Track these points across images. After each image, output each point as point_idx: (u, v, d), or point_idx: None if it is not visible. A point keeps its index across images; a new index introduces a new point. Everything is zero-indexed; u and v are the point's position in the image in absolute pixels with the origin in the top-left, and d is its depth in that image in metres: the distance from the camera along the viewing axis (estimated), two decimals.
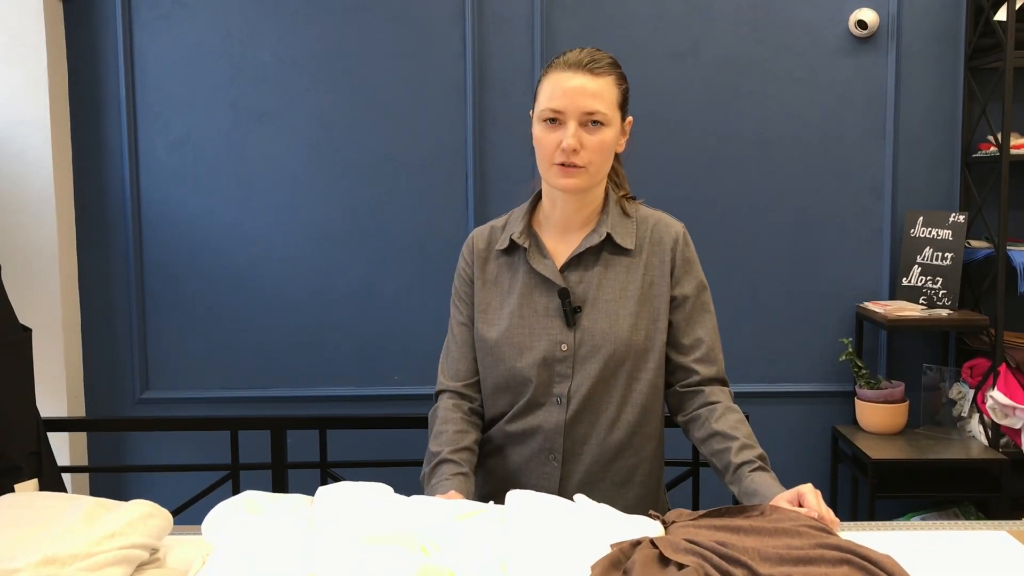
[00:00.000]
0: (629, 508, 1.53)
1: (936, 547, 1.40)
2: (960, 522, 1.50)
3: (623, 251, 1.67)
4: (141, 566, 1.24)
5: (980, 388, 3.00)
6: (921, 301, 3.07)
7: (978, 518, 3.01)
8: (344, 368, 3.20)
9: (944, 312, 2.98)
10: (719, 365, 1.70)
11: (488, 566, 1.13)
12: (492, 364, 1.69)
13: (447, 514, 1.29)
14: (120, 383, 3.23)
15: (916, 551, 1.36)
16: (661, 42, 3.10)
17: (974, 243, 3.10)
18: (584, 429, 1.66)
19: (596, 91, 1.58)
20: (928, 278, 3.08)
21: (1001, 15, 2.91)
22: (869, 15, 3.09)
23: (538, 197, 1.76)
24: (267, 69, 3.13)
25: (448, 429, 1.67)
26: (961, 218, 3.03)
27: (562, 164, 1.59)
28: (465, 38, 3.11)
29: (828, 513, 1.36)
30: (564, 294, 1.64)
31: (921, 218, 3.11)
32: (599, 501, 1.47)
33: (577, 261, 1.66)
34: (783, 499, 1.42)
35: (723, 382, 1.71)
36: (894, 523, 1.53)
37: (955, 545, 1.40)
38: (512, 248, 1.71)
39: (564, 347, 1.63)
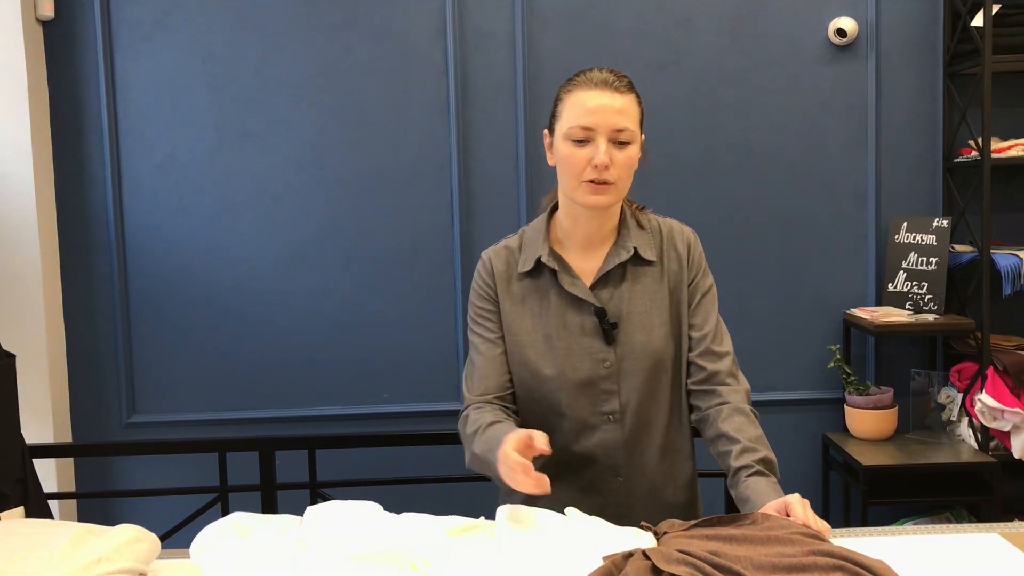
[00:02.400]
0: (686, 512, 1.70)
1: (929, 551, 1.39)
2: (952, 525, 1.50)
3: (646, 263, 1.70)
4: None
5: (968, 392, 3.00)
6: (907, 306, 3.08)
7: (970, 522, 3.02)
8: (332, 387, 3.19)
9: (930, 317, 2.99)
10: (728, 359, 1.71)
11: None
12: (535, 386, 1.68)
13: (438, 530, 1.28)
14: (107, 408, 3.20)
15: (909, 555, 1.36)
16: (643, 54, 3.11)
17: (958, 247, 3.11)
18: (643, 441, 1.69)
19: (623, 108, 1.60)
20: (914, 283, 3.09)
21: (978, 21, 2.94)
22: (848, 23, 3.11)
23: (551, 214, 1.75)
24: (249, 89, 3.13)
25: (485, 418, 1.64)
26: (945, 223, 3.04)
27: (591, 181, 1.59)
28: (447, 55, 3.12)
29: (816, 522, 1.36)
30: (602, 313, 1.65)
31: (905, 224, 3.13)
32: (666, 508, 1.58)
33: (605, 278, 1.68)
34: (771, 509, 1.42)
35: (733, 375, 1.71)
36: (886, 528, 1.53)
37: (948, 548, 1.40)
38: (537, 269, 1.70)
39: (607, 364, 1.65)
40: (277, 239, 3.16)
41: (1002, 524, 1.51)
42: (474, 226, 3.16)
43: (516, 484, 1.40)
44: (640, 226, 1.73)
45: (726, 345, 1.71)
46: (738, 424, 1.61)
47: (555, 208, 1.75)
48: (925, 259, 3.06)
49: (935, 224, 3.06)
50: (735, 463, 1.56)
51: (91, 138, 3.14)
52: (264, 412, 3.17)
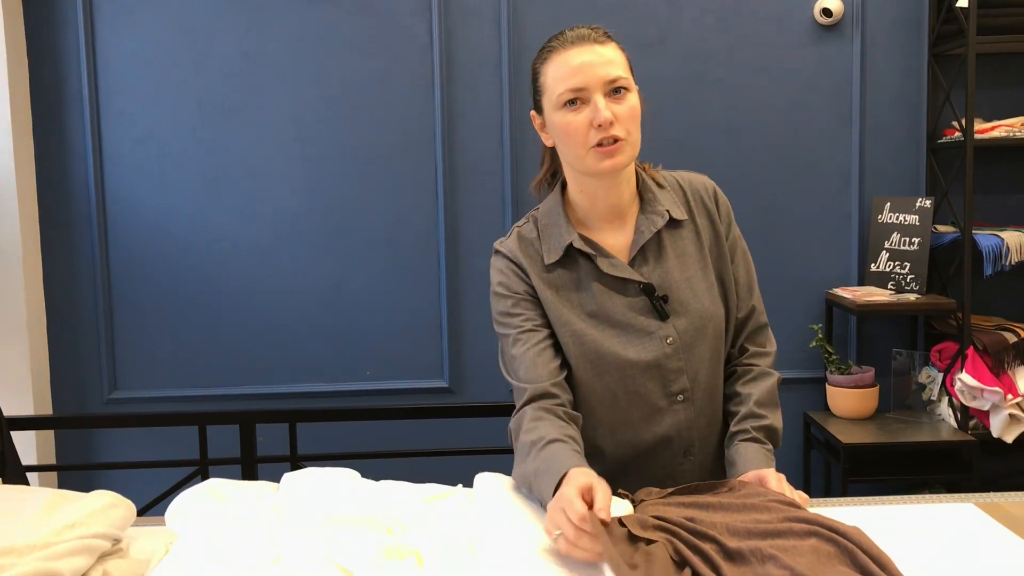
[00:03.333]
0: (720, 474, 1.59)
1: (905, 520, 1.40)
2: (928, 496, 1.51)
3: (677, 223, 1.57)
4: (103, 556, 1.22)
5: (949, 371, 3.02)
6: (889, 286, 3.09)
7: None
8: (315, 364, 3.18)
9: (912, 297, 3.00)
10: (764, 316, 1.64)
11: (455, 547, 1.12)
12: (596, 378, 1.53)
13: (415, 497, 1.28)
14: (88, 384, 3.18)
15: (885, 524, 1.37)
16: (628, 33, 3.09)
17: (940, 228, 3.12)
18: (710, 413, 1.59)
19: (610, 58, 1.47)
20: (896, 263, 3.10)
21: (963, 2, 2.94)
22: (834, 3, 3.11)
23: (563, 194, 1.61)
24: (232, 64, 3.11)
25: (546, 432, 1.43)
26: (928, 203, 3.05)
27: (599, 145, 1.45)
28: (432, 30, 3.10)
29: (793, 493, 1.36)
30: (650, 289, 1.52)
31: (888, 204, 3.13)
32: (720, 477, 1.49)
33: (642, 250, 1.54)
34: (747, 479, 1.42)
35: (767, 334, 1.64)
36: (863, 499, 1.54)
37: (923, 517, 1.41)
38: (567, 257, 1.55)
39: (670, 340, 1.52)
40: (260, 215, 3.14)
41: (977, 495, 1.52)
42: (458, 203, 3.15)
43: (568, 543, 1.17)
44: (659, 185, 1.60)
45: (756, 297, 1.63)
46: (756, 388, 1.56)
47: (564, 187, 1.61)
48: (908, 239, 3.07)
49: (918, 204, 3.07)
50: (734, 427, 1.55)
51: (72, 112, 3.11)
52: (246, 388, 3.16)
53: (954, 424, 3.01)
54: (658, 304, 1.52)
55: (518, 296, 1.56)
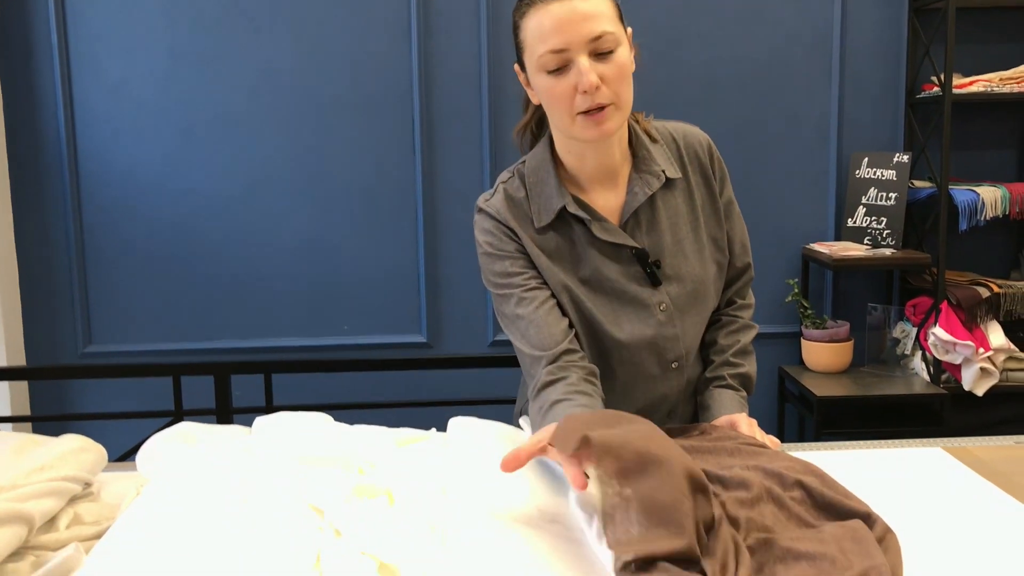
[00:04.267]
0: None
1: (873, 464, 1.42)
2: (896, 440, 1.53)
3: (669, 182, 1.49)
4: (74, 499, 1.21)
5: (923, 326, 3.05)
6: (866, 241, 3.11)
7: None
8: (291, 319, 3.17)
9: (888, 251, 3.01)
10: (751, 271, 1.61)
11: (428, 487, 1.12)
12: (591, 343, 1.48)
13: (387, 440, 1.28)
14: (62, 338, 3.16)
15: (854, 468, 1.38)
16: None
17: (917, 183, 3.13)
18: (694, 377, 1.57)
19: (593, 11, 1.32)
20: (872, 218, 3.11)
21: None
22: None
23: (550, 146, 1.50)
24: (205, 12, 3.05)
25: (549, 391, 1.38)
26: (905, 158, 3.05)
27: (586, 112, 1.34)
28: None
29: (764, 438, 1.37)
30: (643, 256, 1.45)
31: (866, 159, 3.13)
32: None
33: (634, 213, 1.46)
34: (719, 423, 1.43)
35: (750, 287, 1.62)
36: (832, 443, 1.55)
37: (892, 461, 1.42)
38: (559, 219, 1.46)
39: (663, 306, 1.46)
40: (234, 166, 3.10)
41: (945, 439, 1.54)
42: (436, 155, 3.12)
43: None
44: (652, 139, 1.51)
45: (750, 255, 1.60)
46: (736, 339, 1.56)
47: (552, 139, 1.50)
48: (885, 194, 3.08)
49: (895, 160, 3.07)
50: (711, 372, 1.55)
51: (41, 61, 3.05)
52: (222, 342, 3.14)
53: (927, 378, 3.04)
54: (651, 270, 1.45)
55: (513, 256, 1.46)
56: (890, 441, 1.53)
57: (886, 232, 3.07)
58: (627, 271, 1.46)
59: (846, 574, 0.89)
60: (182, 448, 1.23)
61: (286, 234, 3.14)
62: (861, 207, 3.14)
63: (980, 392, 2.99)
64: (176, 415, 2.29)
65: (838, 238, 3.21)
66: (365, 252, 3.16)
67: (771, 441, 1.36)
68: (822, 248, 3.06)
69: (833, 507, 1.07)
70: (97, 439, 1.33)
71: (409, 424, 2.04)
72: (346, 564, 0.91)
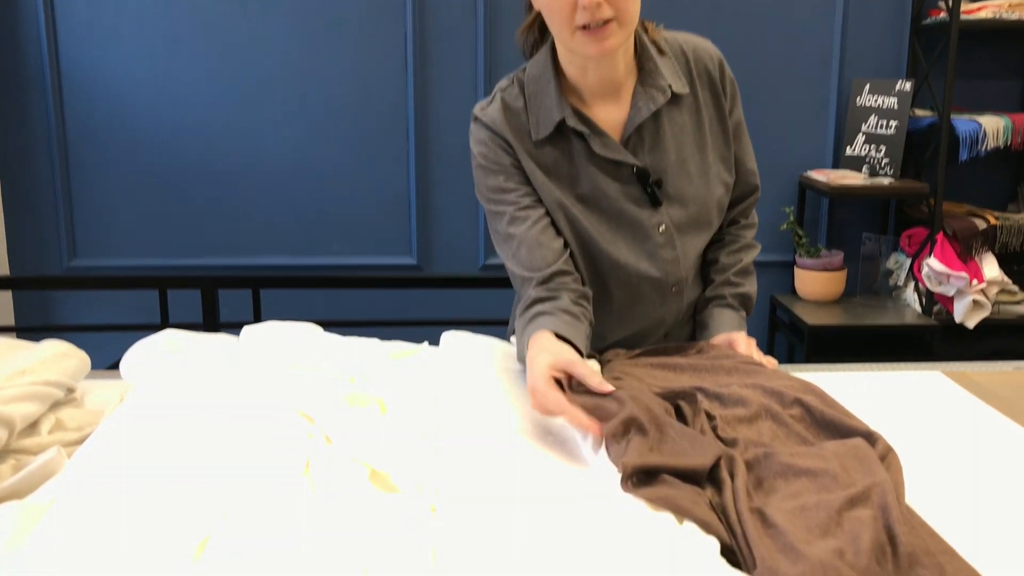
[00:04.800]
0: None
1: (872, 387, 1.40)
2: (894, 364, 1.50)
3: (676, 97, 1.40)
4: (56, 405, 1.19)
5: (917, 257, 3.03)
6: (864, 170, 3.06)
7: None
8: (280, 236, 3.11)
9: (886, 181, 2.97)
10: (757, 193, 1.56)
11: (419, 397, 1.09)
12: (587, 263, 1.42)
13: (379, 352, 1.25)
14: (47, 252, 3.11)
15: (852, 391, 1.36)
16: None
17: (919, 112, 3.08)
18: (693, 300, 1.53)
19: None
20: (872, 147, 3.06)
21: None
22: None
23: (552, 54, 1.40)
24: None
25: (538, 305, 1.34)
26: (907, 86, 2.99)
27: (585, 27, 1.26)
28: None
29: (762, 358, 1.35)
30: (644, 175, 1.38)
31: (867, 86, 3.07)
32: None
33: (638, 128, 1.38)
34: (717, 342, 1.41)
35: (753, 207, 1.57)
36: (831, 365, 1.53)
37: (891, 384, 1.41)
38: (558, 132, 1.38)
39: (662, 228, 1.40)
40: (222, 79, 3.02)
41: (944, 363, 1.52)
42: (429, 71, 3.04)
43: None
44: (660, 51, 1.41)
45: (757, 177, 1.54)
46: (738, 258, 1.51)
47: (555, 46, 1.40)
48: (885, 122, 3.03)
49: (897, 87, 3.01)
50: (711, 291, 1.50)
51: None
52: (209, 259, 3.09)
53: (918, 309, 3.04)
54: (652, 190, 1.38)
55: (508, 170, 1.39)
56: (888, 364, 1.51)
57: (885, 161, 3.03)
58: (626, 190, 1.39)
59: (848, 490, 0.87)
60: (168, 355, 1.20)
61: (275, 151, 3.07)
62: (861, 135, 3.09)
63: (971, 324, 2.98)
64: (162, 328, 2.25)
65: (836, 166, 3.17)
66: (355, 172, 3.09)
67: (768, 361, 1.34)
68: (819, 176, 3.02)
69: (833, 425, 1.05)
70: (83, 350, 1.30)
71: (401, 338, 2.02)
72: (337, 470, 0.88)
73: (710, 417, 1.07)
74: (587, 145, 1.37)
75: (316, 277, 2.34)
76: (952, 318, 3.00)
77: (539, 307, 1.32)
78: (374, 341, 1.32)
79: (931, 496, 1.01)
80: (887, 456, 0.97)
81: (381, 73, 3.04)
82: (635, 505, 0.89)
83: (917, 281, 3.04)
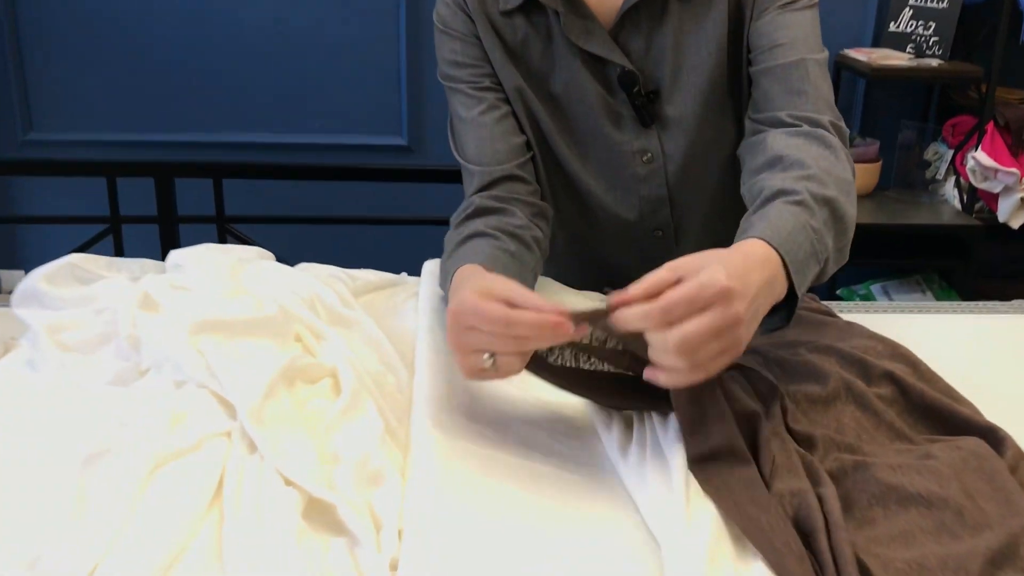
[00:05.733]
0: None
1: (948, 332, 1.14)
2: (983, 303, 1.22)
3: None
4: None
5: (961, 148, 2.75)
6: (908, 49, 2.74)
7: (941, 287, 2.86)
8: (252, 112, 2.80)
9: (934, 62, 2.66)
10: (816, 101, 1.08)
11: (387, 368, 0.83)
12: (546, 175, 1.14)
13: (341, 289, 0.98)
14: (1, 124, 2.80)
15: (924, 338, 1.07)
16: None
17: None
18: (699, 245, 1.16)
19: None
20: (919, 23, 2.73)
21: None
22: None
23: None
24: None
25: (477, 222, 1.05)
26: None
27: None
28: None
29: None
30: (630, 79, 1.06)
31: None
32: None
33: (634, 14, 1.05)
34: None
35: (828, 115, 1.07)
36: (907, 303, 1.27)
37: (981, 329, 1.14)
38: (529, 6, 1.08)
39: (647, 157, 1.10)
40: None
41: None
42: None
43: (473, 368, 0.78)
44: None
45: (817, 86, 1.07)
46: (808, 152, 0.97)
47: None
48: None
49: None
50: (780, 184, 0.92)
51: None
52: (177, 135, 2.80)
53: (958, 206, 2.78)
54: (639, 103, 1.07)
55: (465, 39, 1.11)
56: (975, 304, 1.24)
57: (933, 40, 2.70)
58: (607, 100, 1.08)
59: (984, 536, 0.62)
60: (70, 290, 0.94)
61: (247, 13, 2.72)
62: (908, 9, 2.75)
63: (1016, 225, 2.72)
64: (113, 221, 1.98)
65: (877, 44, 2.84)
66: (337, 39, 2.75)
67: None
68: (859, 55, 2.70)
69: (937, 412, 0.79)
70: (32, 243, 1.04)
71: (386, 245, 1.74)
72: (257, 498, 0.62)
73: (784, 414, 0.79)
74: (561, 28, 1.06)
75: (286, 166, 2.06)
76: (995, 217, 2.74)
77: (478, 223, 1.02)
78: (337, 272, 1.04)
79: None
80: (1018, 467, 0.71)
81: None
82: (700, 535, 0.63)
83: (959, 175, 2.76)
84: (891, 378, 0.81)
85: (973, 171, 2.69)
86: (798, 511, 0.65)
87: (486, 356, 0.75)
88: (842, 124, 1.05)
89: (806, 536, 0.64)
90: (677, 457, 0.69)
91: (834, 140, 1.01)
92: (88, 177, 2.11)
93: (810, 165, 0.93)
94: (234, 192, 2.15)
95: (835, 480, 0.70)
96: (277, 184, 2.18)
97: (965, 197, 2.76)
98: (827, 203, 0.90)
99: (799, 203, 0.88)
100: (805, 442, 0.75)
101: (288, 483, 0.63)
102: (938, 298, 2.79)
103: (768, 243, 0.81)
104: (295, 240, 2.25)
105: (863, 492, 0.68)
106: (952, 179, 2.80)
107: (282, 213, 2.16)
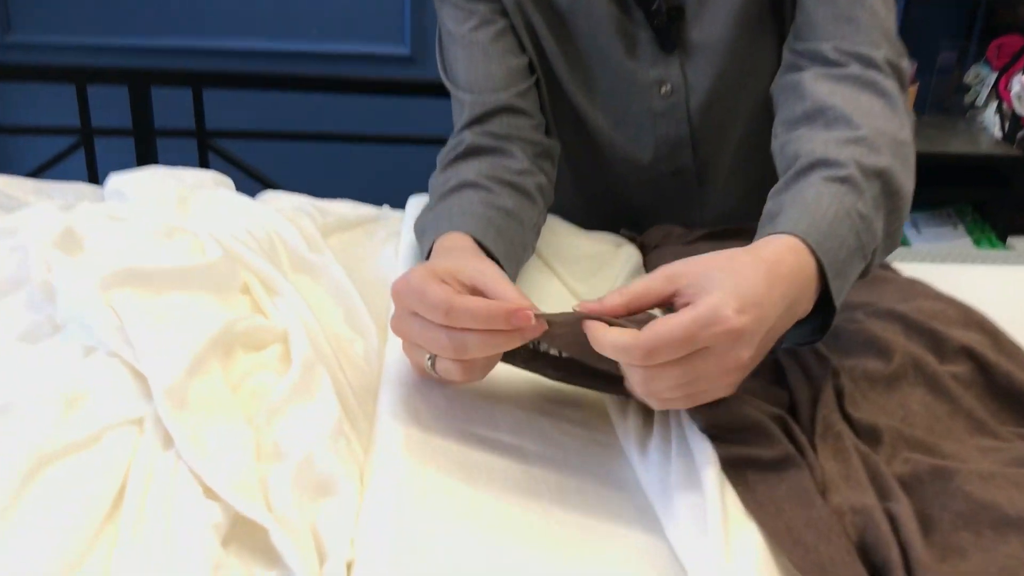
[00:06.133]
0: None
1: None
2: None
3: None
4: None
5: (1006, 71, 2.57)
6: None
7: (975, 219, 2.72)
8: (243, 15, 2.61)
9: None
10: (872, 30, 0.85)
11: (353, 330, 0.68)
12: (553, 106, 0.99)
13: (307, 227, 0.82)
14: None
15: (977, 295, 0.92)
16: None
17: None
18: (728, 195, 1.05)
19: None
20: None
21: None
22: None
23: None
24: None
25: (467, 165, 0.90)
26: None
27: None
28: None
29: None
30: None
31: None
32: None
33: None
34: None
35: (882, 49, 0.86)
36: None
37: None
38: None
39: (665, 89, 0.95)
40: None
41: None
42: None
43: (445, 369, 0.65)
44: None
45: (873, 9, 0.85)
46: (857, 104, 0.79)
47: None
48: None
49: None
50: (821, 150, 0.75)
51: None
52: (168, 40, 2.62)
53: (998, 135, 2.61)
54: (659, 23, 0.91)
55: None
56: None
57: None
58: (620, 18, 0.92)
59: None
60: None
61: None
62: None
63: None
64: (84, 133, 1.83)
65: None
66: None
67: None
68: None
69: (1021, 396, 0.64)
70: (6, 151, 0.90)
71: (385, 165, 1.59)
72: (168, 509, 0.48)
73: (839, 397, 0.64)
74: None
75: (266, 76, 1.89)
76: None
77: (469, 168, 0.86)
78: (304, 203, 0.89)
79: None
80: None
81: None
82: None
83: (1002, 101, 2.59)
84: (970, 354, 0.66)
85: (1019, 97, 2.52)
86: (864, 535, 0.51)
87: (427, 356, 0.63)
88: (903, 61, 0.85)
89: (875, 571, 0.50)
90: (708, 457, 0.56)
91: (889, 85, 0.82)
92: (58, 84, 1.95)
93: (859, 123, 0.76)
94: (219, 105, 1.98)
95: (907, 490, 0.56)
96: (265, 96, 2.02)
97: (1007, 125, 2.59)
98: (879, 176, 0.72)
99: (844, 180, 0.70)
100: (868, 435, 0.61)
101: (208, 493, 0.49)
102: (970, 232, 2.65)
103: (803, 240, 0.65)
104: (284, 159, 2.09)
105: (945, 510, 0.54)
106: (994, 105, 2.64)
107: (268, 127, 2.00)
